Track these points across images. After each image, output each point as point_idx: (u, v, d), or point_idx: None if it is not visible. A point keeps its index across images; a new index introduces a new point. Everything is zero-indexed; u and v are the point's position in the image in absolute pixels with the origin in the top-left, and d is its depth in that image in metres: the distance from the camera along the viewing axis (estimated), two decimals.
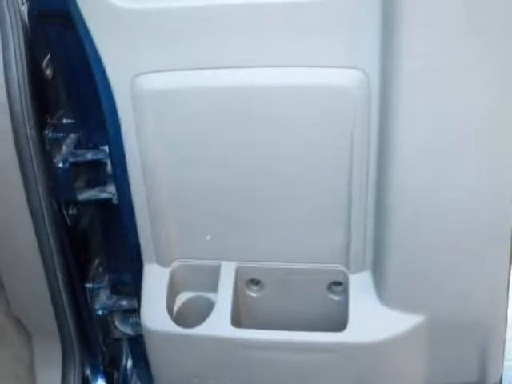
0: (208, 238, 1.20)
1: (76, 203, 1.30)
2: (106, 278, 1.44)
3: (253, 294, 1.28)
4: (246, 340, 1.19)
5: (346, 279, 1.19)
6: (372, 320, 1.14)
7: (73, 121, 1.24)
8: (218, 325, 1.18)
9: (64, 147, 1.23)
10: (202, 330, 1.18)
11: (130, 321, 1.46)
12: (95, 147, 1.25)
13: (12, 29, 1.07)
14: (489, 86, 0.90)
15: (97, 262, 1.43)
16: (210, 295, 1.24)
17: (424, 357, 1.18)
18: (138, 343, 1.50)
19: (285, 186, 1.12)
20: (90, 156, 1.24)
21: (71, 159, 1.22)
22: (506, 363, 1.26)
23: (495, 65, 0.89)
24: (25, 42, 1.08)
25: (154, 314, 1.22)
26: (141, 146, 1.10)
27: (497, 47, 0.87)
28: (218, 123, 1.06)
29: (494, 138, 0.96)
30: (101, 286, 1.42)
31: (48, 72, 1.16)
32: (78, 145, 1.25)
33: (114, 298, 1.43)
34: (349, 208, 1.11)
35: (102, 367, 1.50)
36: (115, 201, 1.26)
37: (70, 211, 1.30)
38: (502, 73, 0.90)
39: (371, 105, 0.99)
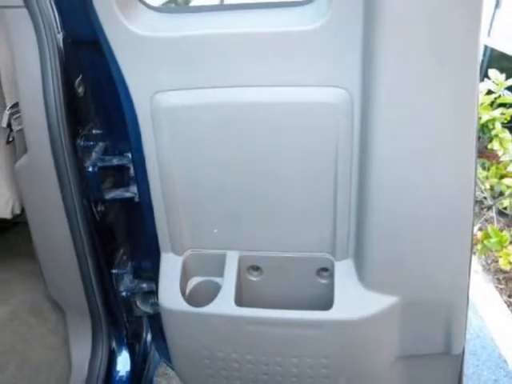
0: (215, 230, 1.20)
1: (104, 201, 1.30)
2: (129, 264, 1.44)
3: (253, 279, 1.28)
4: (248, 317, 1.19)
5: (332, 266, 1.19)
6: (354, 300, 1.14)
7: (101, 131, 1.25)
8: (224, 304, 1.18)
9: (93, 154, 1.23)
10: (210, 308, 1.18)
11: (150, 301, 1.46)
12: (120, 154, 1.25)
13: (49, 54, 1.07)
14: (451, 100, 0.91)
15: (121, 251, 1.43)
16: (217, 279, 1.24)
17: (398, 331, 1.18)
18: (156, 320, 1.50)
19: (280, 186, 1.12)
20: (115, 161, 1.24)
21: (100, 164, 1.23)
22: (467, 336, 1.26)
23: (456, 84, 0.90)
24: (60, 65, 1.08)
25: (170, 295, 1.22)
26: (158, 153, 1.10)
27: (457, 71, 0.88)
28: (223, 134, 1.06)
29: (456, 145, 0.96)
30: (125, 271, 1.42)
31: (80, 90, 1.16)
32: (106, 152, 1.25)
33: (136, 281, 1.43)
34: (335, 205, 1.11)
35: (125, 340, 1.51)
36: (137, 199, 1.26)
37: (99, 208, 1.30)
38: (462, 91, 0.90)
39: (353, 117, 0.99)
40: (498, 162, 2.89)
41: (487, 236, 2.50)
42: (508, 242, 2.50)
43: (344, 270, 1.17)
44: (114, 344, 1.47)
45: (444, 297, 1.14)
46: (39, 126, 1.11)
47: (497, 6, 3.62)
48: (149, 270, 1.38)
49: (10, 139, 1.28)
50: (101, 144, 1.25)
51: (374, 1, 0.84)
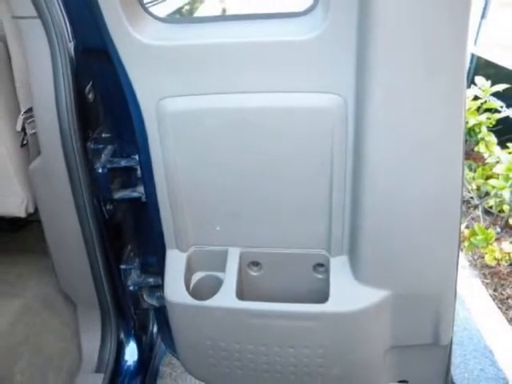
0: (218, 228, 1.20)
1: (112, 201, 1.30)
2: (137, 260, 1.44)
3: (253, 274, 1.28)
4: (248, 310, 1.19)
5: (328, 261, 1.19)
6: (348, 294, 1.14)
7: (110, 135, 1.25)
8: (226, 298, 1.18)
9: (103, 156, 1.23)
10: (213, 302, 1.18)
11: (156, 295, 1.46)
12: (128, 156, 1.25)
13: (61, 61, 1.07)
14: (440, 106, 0.91)
15: (129, 247, 1.43)
16: (219, 274, 1.24)
17: (390, 323, 1.18)
18: (161, 313, 1.50)
19: (279, 187, 1.12)
20: (123, 163, 1.24)
21: (109, 166, 1.23)
22: (455, 328, 1.26)
23: (445, 91, 0.90)
24: (71, 72, 1.08)
25: (175, 289, 1.22)
26: (164, 156, 1.10)
27: (445, 78, 0.88)
28: (225, 137, 1.06)
29: (445, 148, 0.96)
30: (132, 267, 1.42)
31: (90, 96, 1.16)
32: (114, 154, 1.25)
33: (143, 276, 1.43)
34: (330, 205, 1.11)
35: (133, 332, 1.51)
36: (144, 199, 1.26)
37: (108, 207, 1.30)
38: (450, 97, 0.91)
39: (348, 122, 0.99)
40: (484, 164, 2.88)
41: (474, 233, 2.49)
42: (493, 239, 2.49)
43: (339, 266, 1.17)
44: (122, 335, 1.48)
45: (433, 291, 1.14)
46: (52, 129, 1.12)
47: (483, 16, 3.63)
48: (155, 265, 1.38)
49: (24, 142, 1.28)
50: (110, 147, 1.25)
51: (367, 13, 0.85)
